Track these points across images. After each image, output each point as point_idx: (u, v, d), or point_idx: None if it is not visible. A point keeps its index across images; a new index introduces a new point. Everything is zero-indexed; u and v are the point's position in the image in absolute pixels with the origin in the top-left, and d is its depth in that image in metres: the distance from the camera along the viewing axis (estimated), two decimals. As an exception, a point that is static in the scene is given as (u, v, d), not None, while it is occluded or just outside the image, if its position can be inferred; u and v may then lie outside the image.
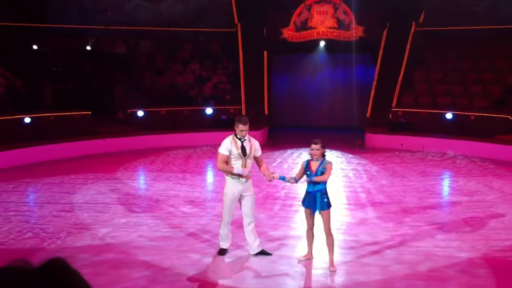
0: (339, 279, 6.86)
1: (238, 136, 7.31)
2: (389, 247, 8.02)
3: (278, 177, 7.27)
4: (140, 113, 18.34)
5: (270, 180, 7.44)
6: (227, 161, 7.29)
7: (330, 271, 7.00)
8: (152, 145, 16.85)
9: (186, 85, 19.84)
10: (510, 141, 15.64)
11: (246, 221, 7.47)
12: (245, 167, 7.26)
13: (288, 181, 7.28)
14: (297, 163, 14.90)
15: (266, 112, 20.17)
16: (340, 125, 21.66)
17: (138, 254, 7.66)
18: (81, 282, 1.35)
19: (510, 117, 16.46)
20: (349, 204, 10.51)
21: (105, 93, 19.61)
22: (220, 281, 6.80)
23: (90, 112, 17.14)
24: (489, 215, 9.81)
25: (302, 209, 10.16)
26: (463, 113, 17.49)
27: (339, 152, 16.88)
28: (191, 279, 6.83)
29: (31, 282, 1.27)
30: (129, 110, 18.43)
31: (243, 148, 7.27)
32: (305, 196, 7.14)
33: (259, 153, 7.44)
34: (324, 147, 7.00)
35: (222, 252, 7.63)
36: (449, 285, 6.68)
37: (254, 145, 7.36)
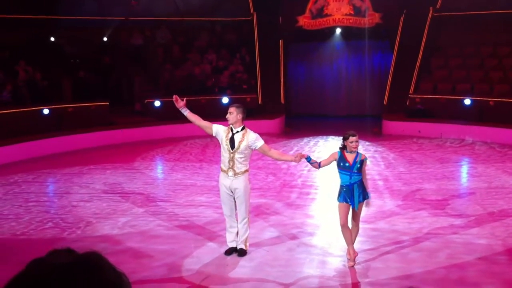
0: (357, 266, 6.85)
1: (232, 127, 6.94)
2: (408, 234, 8.00)
3: (306, 157, 6.95)
4: (157, 104, 18.40)
5: (298, 162, 7.14)
6: (202, 125, 7.12)
7: (348, 259, 6.98)
8: (169, 135, 16.92)
9: (203, 75, 19.86)
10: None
11: (239, 218, 7.17)
12: (233, 162, 6.87)
13: (312, 163, 6.97)
14: (314, 151, 14.87)
15: (283, 100, 20.11)
16: (357, 113, 21.53)
17: (157, 243, 7.74)
18: (115, 278, 1.35)
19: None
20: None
21: (123, 84, 19.70)
22: (238, 270, 6.84)
23: (107, 103, 17.25)
24: (508, 201, 9.72)
25: (319, 197, 10.25)
26: (482, 98, 17.26)
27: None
28: (209, 267, 6.88)
29: (65, 277, 1.28)
30: (146, 101, 18.51)
31: (231, 140, 6.88)
32: (340, 190, 6.81)
33: (258, 144, 6.95)
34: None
35: (227, 252, 7.23)
36: (468, 272, 6.65)
37: (247, 139, 6.88)
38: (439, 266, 6.81)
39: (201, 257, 7.21)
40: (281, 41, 20.91)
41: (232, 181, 6.93)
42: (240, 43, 21.37)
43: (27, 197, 10.38)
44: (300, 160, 7.08)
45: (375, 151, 14.96)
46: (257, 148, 7.00)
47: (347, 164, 6.69)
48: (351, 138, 6.66)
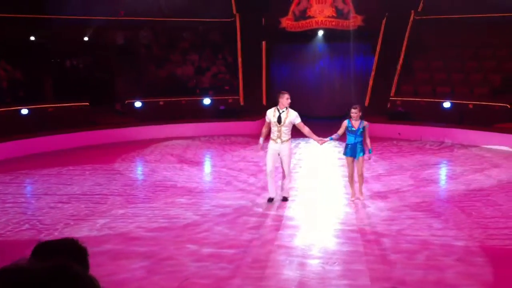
0: (336, 268, 6.87)
1: (279, 108, 9.60)
2: (387, 236, 8.03)
3: (329, 140, 9.85)
4: (138, 104, 18.29)
5: (321, 144, 9.93)
6: (267, 126, 9.66)
7: (359, 200, 9.75)
8: (150, 136, 16.83)
9: (185, 76, 19.78)
10: (508, 129, 15.59)
11: (285, 174, 9.70)
12: (280, 133, 9.48)
13: (335, 139, 9.84)
14: (295, 152, 14.87)
15: (265, 102, 20.09)
16: (339, 114, 21.53)
17: (136, 245, 7.68)
18: (89, 284, 1.32)
19: (508, 105, 16.39)
20: (347, 193, 10.50)
21: (105, 84, 19.54)
22: (218, 271, 6.81)
23: (88, 103, 17.11)
24: (486, 203, 9.81)
25: (298, 199, 10.26)
26: (462, 101, 17.42)
27: (338, 142, 16.80)
28: (189, 269, 6.84)
29: (38, 283, 1.24)
30: (126, 101, 18.39)
31: (279, 118, 9.54)
32: (346, 148, 9.74)
33: (297, 120, 9.57)
34: (361, 110, 9.72)
35: (270, 200, 9.69)
36: (446, 273, 6.69)
37: (290, 116, 9.50)
38: (417, 267, 6.85)
39: (181, 259, 7.17)
40: (263, 43, 20.91)
41: (279, 146, 9.49)
42: (223, 44, 21.33)
43: (4, 198, 10.24)
44: (322, 144, 9.94)
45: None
46: (295, 123, 9.56)
47: (353, 129, 9.63)
48: (352, 110, 9.66)
